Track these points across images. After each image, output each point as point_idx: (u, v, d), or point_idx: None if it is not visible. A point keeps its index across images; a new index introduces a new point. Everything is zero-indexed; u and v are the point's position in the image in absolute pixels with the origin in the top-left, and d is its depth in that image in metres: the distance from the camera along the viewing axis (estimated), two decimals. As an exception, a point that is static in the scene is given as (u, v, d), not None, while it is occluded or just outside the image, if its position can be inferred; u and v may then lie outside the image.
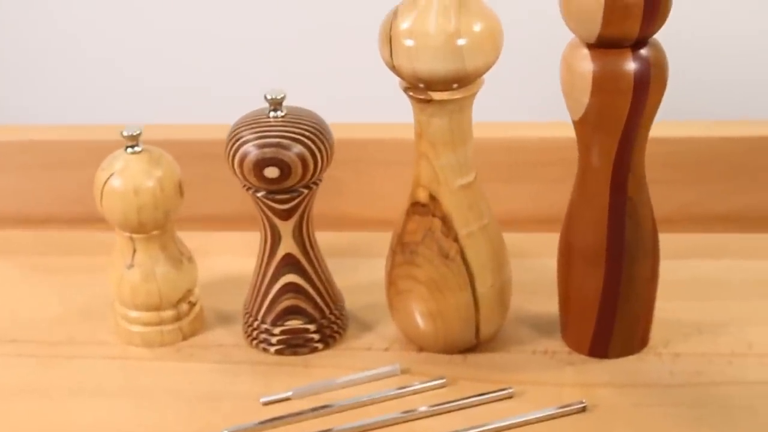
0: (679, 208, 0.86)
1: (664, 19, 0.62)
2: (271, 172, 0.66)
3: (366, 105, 0.88)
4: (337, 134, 0.86)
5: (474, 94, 0.64)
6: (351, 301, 0.74)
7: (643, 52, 0.62)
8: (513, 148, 0.85)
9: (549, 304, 0.71)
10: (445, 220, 0.66)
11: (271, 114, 0.67)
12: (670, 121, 0.86)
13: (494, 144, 0.85)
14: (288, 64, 0.93)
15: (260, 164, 0.66)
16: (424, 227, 0.67)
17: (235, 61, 0.94)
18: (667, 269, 0.70)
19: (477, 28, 0.62)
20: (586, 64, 0.62)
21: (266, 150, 0.65)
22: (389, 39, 0.63)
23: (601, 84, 0.62)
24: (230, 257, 0.80)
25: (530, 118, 0.87)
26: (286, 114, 0.67)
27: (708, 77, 0.90)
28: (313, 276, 0.70)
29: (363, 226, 0.86)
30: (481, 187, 0.68)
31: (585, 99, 0.62)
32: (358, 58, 0.82)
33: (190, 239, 0.76)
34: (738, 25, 0.89)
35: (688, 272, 0.77)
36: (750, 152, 0.85)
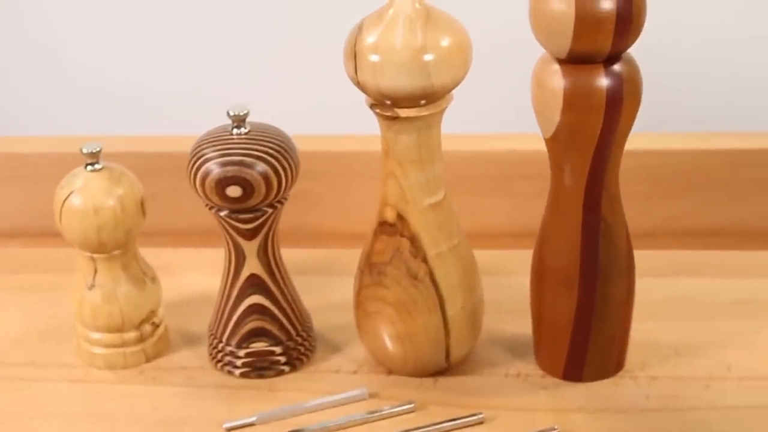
0: (660, 222, 0.84)
1: (638, 34, 0.60)
2: (234, 191, 0.64)
3: (342, 116, 0.86)
4: (312, 146, 0.84)
5: (443, 111, 0.62)
6: (321, 321, 0.72)
7: (616, 67, 0.60)
8: (491, 161, 0.83)
9: (524, 324, 0.69)
10: (414, 240, 0.64)
11: (234, 131, 0.65)
12: (651, 133, 0.85)
13: (472, 157, 0.84)
14: (264, 73, 0.92)
15: (222, 183, 0.63)
16: (392, 247, 0.65)
17: (210, 70, 0.92)
18: (645, 288, 0.68)
19: (445, 42, 0.60)
20: (556, 80, 0.60)
21: (228, 168, 0.63)
22: (354, 54, 0.61)
23: (573, 101, 0.60)
24: (199, 275, 0.78)
25: (509, 131, 0.85)
26: (249, 131, 0.65)
27: (688, 88, 0.88)
28: (279, 297, 0.68)
29: (339, 240, 0.84)
30: (452, 205, 0.66)
31: (556, 116, 0.60)
32: (337, 67, 0.81)
33: (157, 256, 0.74)
34: (720, 35, 0.87)
35: (666, 291, 0.75)
36: (732, 165, 0.83)
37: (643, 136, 0.84)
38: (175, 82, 0.93)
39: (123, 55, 0.93)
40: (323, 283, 0.77)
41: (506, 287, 0.73)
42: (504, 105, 0.86)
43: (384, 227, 0.65)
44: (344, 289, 0.73)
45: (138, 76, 0.93)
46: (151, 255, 0.72)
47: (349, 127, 0.85)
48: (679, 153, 0.83)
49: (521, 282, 0.69)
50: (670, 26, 0.86)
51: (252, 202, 0.64)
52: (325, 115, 0.89)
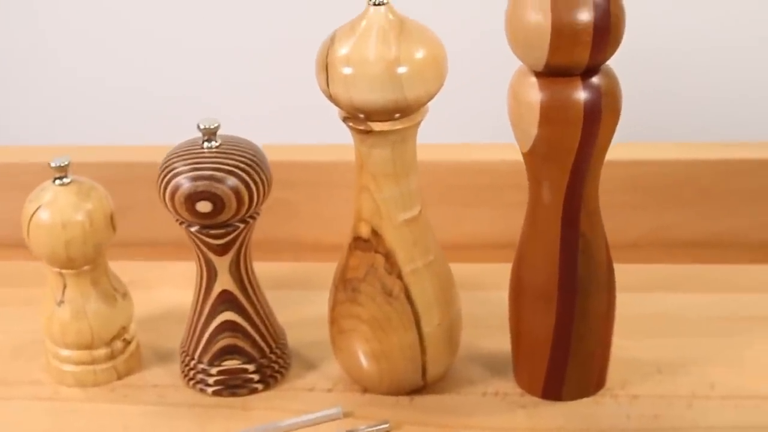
0: (647, 233, 0.83)
1: (617, 45, 0.58)
2: (204, 206, 0.62)
3: (321, 124, 0.84)
4: (290, 156, 0.83)
5: (417, 124, 0.61)
6: (296, 337, 0.71)
7: (595, 80, 0.58)
8: (477, 171, 0.81)
9: (503, 341, 0.67)
10: (389, 257, 0.63)
11: (205, 144, 0.64)
12: (637, 142, 0.83)
13: (457, 167, 0.82)
14: (243, 79, 0.90)
15: (192, 198, 0.62)
16: (367, 264, 0.63)
17: (188, 77, 0.90)
18: (627, 303, 0.67)
19: (418, 55, 0.58)
20: (533, 93, 0.58)
21: (198, 183, 0.62)
22: (325, 66, 0.59)
23: (550, 114, 0.58)
24: (174, 289, 0.77)
25: (494, 140, 0.84)
26: (220, 144, 0.64)
27: (676, 97, 0.87)
28: (252, 313, 0.67)
29: (319, 252, 0.82)
30: (428, 220, 0.64)
31: (533, 130, 0.59)
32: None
33: (130, 270, 0.72)
34: (710, 43, 0.85)
35: (649, 307, 0.73)
36: (721, 176, 0.81)
37: (629, 145, 0.83)
38: (153, 89, 0.91)
39: (99, 59, 0.91)
40: (300, 298, 0.75)
41: (486, 302, 0.71)
42: (490, 114, 0.85)
43: (358, 243, 0.64)
44: (321, 304, 0.71)
45: (116, 81, 0.91)
46: (126, 269, 0.71)
47: (328, 136, 0.83)
48: (665, 163, 0.82)
49: (501, 297, 0.67)
50: (658, 33, 0.85)
51: (223, 218, 0.63)
52: (304, 124, 0.88)
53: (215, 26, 0.89)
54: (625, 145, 0.83)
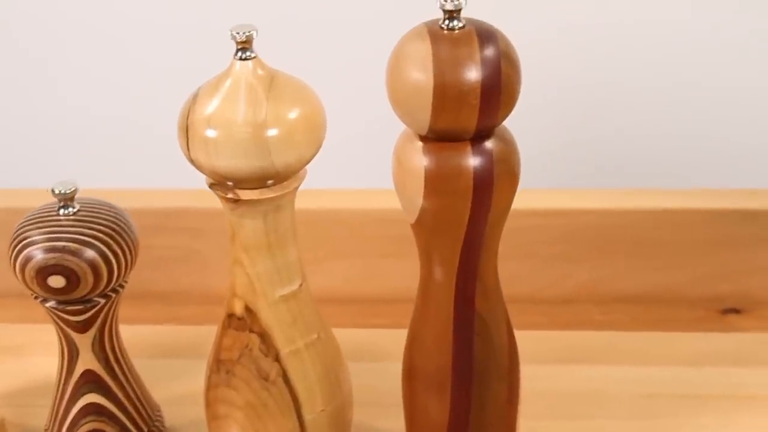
0: (578, 287, 0.77)
1: (510, 107, 0.51)
2: (56, 281, 0.56)
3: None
4: (195, 202, 0.77)
5: (294, 191, 0.54)
6: (179, 415, 0.65)
7: (487, 145, 0.52)
8: (389, 220, 0.75)
9: (402, 422, 0.61)
10: (264, 337, 0.56)
11: (61, 211, 0.57)
12: (567, 189, 0.78)
13: (376, 215, 0.76)
14: (153, 125, 0.84)
15: (43, 272, 0.56)
16: (241, 344, 0.57)
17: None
18: (540, 377, 0.61)
19: (290, 116, 0.52)
20: (418, 159, 0.52)
21: (50, 255, 0.56)
22: (186, 128, 0.53)
23: (436, 183, 0.52)
24: (49, 357, 0.69)
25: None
26: (78, 210, 0.57)
27: (609, 142, 0.81)
28: (120, 395, 0.60)
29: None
30: (309, 295, 0.58)
31: (418, 200, 0.52)
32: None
33: (2, 333, 0.66)
34: (646, 87, 0.80)
35: (566, 382, 0.67)
36: (659, 226, 0.76)
37: (559, 193, 0.77)
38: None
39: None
40: (190, 367, 0.68)
41: (386, 373, 0.64)
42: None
43: (232, 320, 0.57)
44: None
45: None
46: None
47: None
48: (599, 212, 0.76)
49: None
50: (589, 77, 0.79)
51: (79, 293, 0.56)
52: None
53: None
54: (554, 192, 0.78)
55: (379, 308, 0.76)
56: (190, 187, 0.71)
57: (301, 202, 0.80)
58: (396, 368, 0.64)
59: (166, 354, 0.70)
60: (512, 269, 0.76)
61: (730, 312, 0.75)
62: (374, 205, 0.77)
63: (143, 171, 0.85)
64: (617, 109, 0.81)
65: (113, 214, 0.58)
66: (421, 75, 0.50)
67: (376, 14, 0.80)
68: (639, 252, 0.77)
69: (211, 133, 0.52)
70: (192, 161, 0.53)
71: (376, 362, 0.66)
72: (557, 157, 0.82)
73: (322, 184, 0.79)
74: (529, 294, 0.76)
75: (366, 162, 0.78)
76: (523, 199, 0.79)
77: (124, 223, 0.58)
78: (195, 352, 0.70)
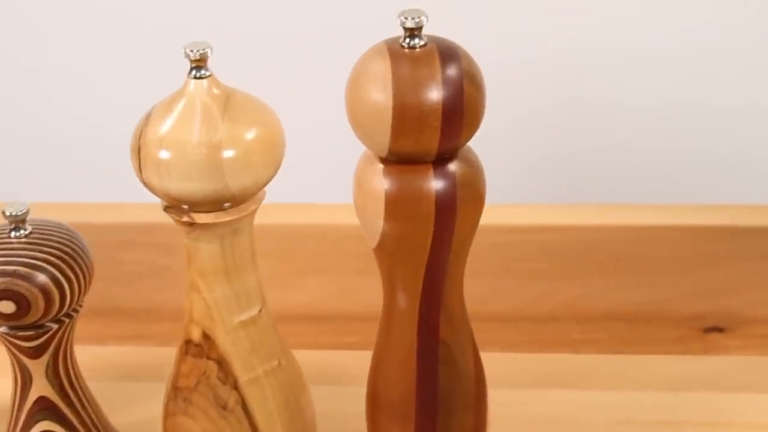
0: (561, 304, 0.75)
1: (473, 129, 0.49)
2: (6, 306, 0.54)
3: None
4: (166, 218, 0.75)
5: (253, 213, 0.52)
6: (141, 441, 0.63)
7: (450, 167, 0.50)
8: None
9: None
10: (222, 364, 0.54)
11: (12, 234, 0.55)
12: (546, 204, 0.78)
13: (342, 231, 0.75)
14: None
15: (-8, 297, 0.54)
16: (198, 371, 0.55)
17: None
18: (513, 402, 0.60)
19: (246, 137, 0.50)
20: (378, 182, 0.50)
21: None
22: (138, 149, 0.51)
23: (396, 207, 0.50)
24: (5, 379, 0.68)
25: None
26: (30, 232, 0.55)
27: (590, 158, 0.79)
28: (75, 422, 0.58)
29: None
30: (271, 321, 0.56)
31: (379, 224, 0.50)
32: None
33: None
34: (631, 104, 0.78)
35: (539, 407, 0.64)
36: (638, 242, 0.76)
37: (542, 208, 0.76)
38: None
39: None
40: (153, 391, 0.66)
41: (354, 398, 0.62)
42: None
43: (189, 347, 0.55)
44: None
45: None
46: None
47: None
48: (581, 228, 0.74)
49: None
50: (575, 90, 0.78)
51: (30, 319, 0.54)
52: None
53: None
54: (535, 207, 0.76)
55: (353, 326, 0.74)
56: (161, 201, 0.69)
57: (272, 217, 0.78)
58: (364, 392, 0.62)
59: (130, 376, 0.68)
60: (491, 286, 0.75)
61: (712, 330, 0.73)
62: (348, 221, 0.75)
63: (113, 185, 0.83)
64: (599, 124, 0.79)
65: (67, 237, 0.56)
66: (380, 96, 0.48)
67: (339, 29, 0.78)
68: (620, 269, 0.76)
69: (163, 154, 0.50)
70: (144, 183, 0.51)
71: (344, 386, 0.64)
72: (538, 173, 0.80)
73: (295, 198, 0.78)
74: (508, 312, 0.74)
75: (341, 176, 0.76)
76: (501, 215, 0.79)
77: (78, 246, 0.56)
78: (159, 373, 0.68)
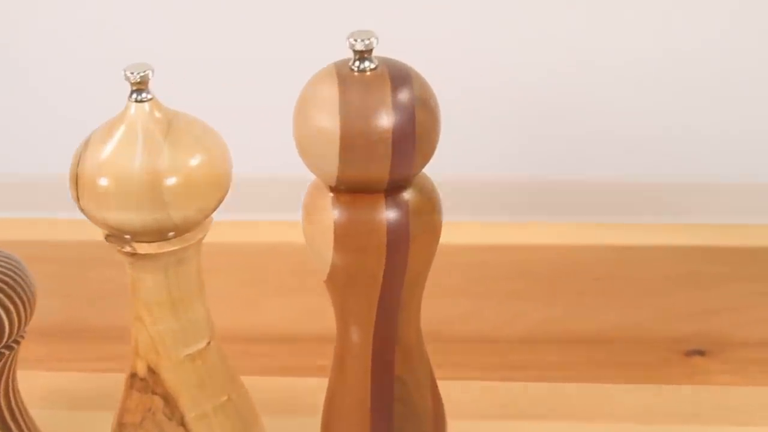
0: (534, 326, 0.73)
1: (427, 157, 0.47)
2: (-58, 337, 0.51)
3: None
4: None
5: (199, 242, 0.50)
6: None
7: (404, 196, 0.47)
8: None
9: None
10: (168, 400, 0.52)
11: (-47, 261, 0.53)
12: (523, 223, 0.76)
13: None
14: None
15: (-75, 328, 0.51)
16: (144, 407, 0.52)
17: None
18: None
19: (191, 162, 0.48)
20: (327, 211, 0.47)
21: (-65, 310, 0.51)
22: (76, 177, 0.48)
23: (346, 238, 0.47)
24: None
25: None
26: (-31, 260, 0.53)
27: (568, 176, 0.77)
28: (20, 458, 0.56)
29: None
30: (220, 353, 0.53)
31: (328, 255, 0.48)
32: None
33: None
34: (603, 116, 0.76)
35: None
36: (617, 263, 0.74)
37: (515, 227, 0.74)
38: None
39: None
40: (109, 422, 0.64)
41: (310, 429, 0.60)
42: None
43: (134, 381, 0.53)
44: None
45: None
46: None
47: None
48: (558, 248, 0.73)
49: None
50: (554, 107, 0.75)
51: (-32, 350, 0.52)
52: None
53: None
54: (511, 226, 0.74)
55: (325, 348, 0.71)
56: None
57: (237, 234, 0.76)
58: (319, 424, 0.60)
59: (87, 405, 0.65)
60: (465, 307, 0.73)
61: (694, 354, 0.71)
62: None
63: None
64: (577, 142, 0.77)
65: (8, 266, 0.53)
66: (327, 122, 0.45)
67: (292, 50, 0.76)
68: (599, 290, 0.74)
69: (102, 182, 0.47)
70: (82, 211, 0.49)
71: (301, 416, 0.62)
72: (514, 191, 0.78)
73: (260, 215, 0.76)
74: (483, 333, 0.72)
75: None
76: (476, 234, 0.77)
77: (20, 276, 0.53)
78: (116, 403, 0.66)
